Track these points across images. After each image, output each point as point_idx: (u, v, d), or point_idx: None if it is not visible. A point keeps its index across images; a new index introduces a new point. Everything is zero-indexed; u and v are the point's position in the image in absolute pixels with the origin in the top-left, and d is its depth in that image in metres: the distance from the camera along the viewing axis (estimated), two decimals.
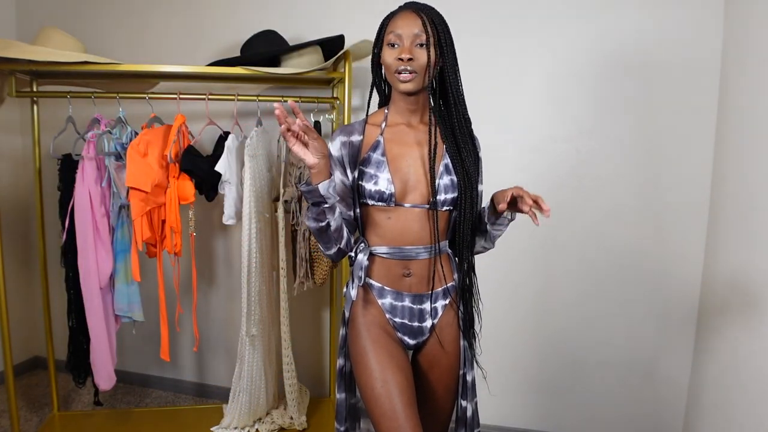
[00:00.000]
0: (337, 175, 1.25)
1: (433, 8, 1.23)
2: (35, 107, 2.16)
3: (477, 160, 1.29)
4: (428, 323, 1.28)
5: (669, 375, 2.10)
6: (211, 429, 2.18)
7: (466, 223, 1.25)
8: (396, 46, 1.20)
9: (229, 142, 1.99)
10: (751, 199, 1.71)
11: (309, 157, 1.12)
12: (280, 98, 2.10)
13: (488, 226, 1.28)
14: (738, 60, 1.83)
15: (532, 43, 2.11)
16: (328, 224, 1.20)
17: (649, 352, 2.12)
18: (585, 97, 2.08)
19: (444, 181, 1.23)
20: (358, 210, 1.27)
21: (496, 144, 2.14)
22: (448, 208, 1.25)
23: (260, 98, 2.11)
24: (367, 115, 1.33)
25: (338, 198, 1.21)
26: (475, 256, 1.34)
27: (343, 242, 1.26)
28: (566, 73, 2.09)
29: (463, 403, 1.36)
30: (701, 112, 1.97)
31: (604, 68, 2.05)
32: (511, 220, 1.27)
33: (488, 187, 1.32)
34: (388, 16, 1.25)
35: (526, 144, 2.15)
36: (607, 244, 2.12)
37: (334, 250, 1.26)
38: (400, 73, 1.19)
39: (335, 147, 1.27)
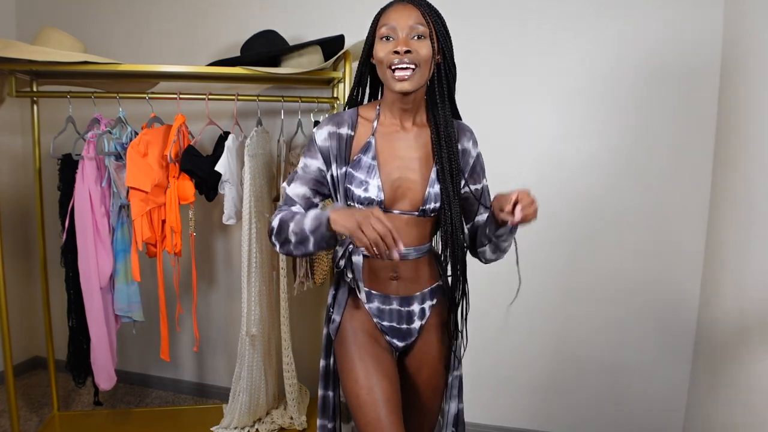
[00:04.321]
0: (315, 163, 1.20)
1: (426, 1, 1.17)
2: (35, 107, 2.16)
3: (460, 165, 1.23)
4: (417, 324, 1.27)
5: (669, 376, 2.10)
6: (211, 429, 2.18)
7: (457, 232, 1.19)
8: (390, 39, 1.12)
9: (229, 142, 1.99)
10: (752, 200, 1.71)
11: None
12: (280, 98, 2.10)
13: (492, 237, 1.20)
14: (738, 60, 1.83)
15: (534, 45, 2.10)
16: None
17: (650, 352, 2.12)
18: (583, 98, 2.08)
19: (435, 189, 1.19)
20: None
21: (498, 146, 2.14)
22: (436, 214, 1.22)
23: (260, 98, 2.10)
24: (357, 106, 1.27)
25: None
26: (469, 257, 1.32)
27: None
28: (566, 74, 2.09)
29: (452, 403, 1.35)
30: (701, 113, 1.97)
31: (604, 70, 2.05)
32: (511, 232, 1.19)
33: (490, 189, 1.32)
34: (380, 11, 1.18)
35: (527, 145, 2.15)
36: (607, 244, 2.12)
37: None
38: (395, 69, 1.11)
39: (322, 136, 1.20)
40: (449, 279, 1.27)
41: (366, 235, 1.00)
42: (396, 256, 1.01)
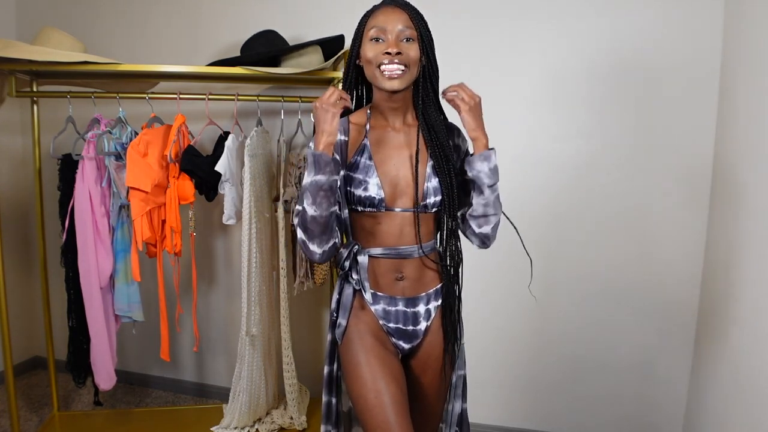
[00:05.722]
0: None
1: (412, 5, 1.20)
2: (35, 107, 2.16)
3: (457, 158, 1.26)
4: (422, 326, 1.27)
5: (669, 375, 2.10)
6: (211, 429, 2.18)
7: (453, 223, 1.22)
8: (380, 40, 1.15)
9: (229, 142, 1.99)
10: (751, 200, 1.71)
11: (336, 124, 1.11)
12: (280, 98, 2.10)
13: (469, 173, 1.21)
14: (738, 60, 1.83)
15: (529, 43, 2.10)
16: (334, 211, 1.14)
17: (649, 352, 2.12)
18: (583, 98, 2.08)
19: (433, 183, 1.20)
20: (346, 212, 1.23)
21: (498, 147, 2.13)
22: (438, 209, 1.23)
23: (260, 98, 2.11)
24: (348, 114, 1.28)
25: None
26: (470, 256, 1.32)
27: (337, 238, 1.21)
28: (564, 74, 2.08)
29: (456, 403, 1.35)
30: (701, 113, 1.97)
31: (603, 69, 2.05)
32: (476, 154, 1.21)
33: None
34: (366, 13, 1.21)
35: (524, 146, 2.15)
36: (608, 244, 2.12)
37: (329, 245, 1.17)
38: (385, 69, 1.14)
39: None
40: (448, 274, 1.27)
41: (322, 104, 1.11)
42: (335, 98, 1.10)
